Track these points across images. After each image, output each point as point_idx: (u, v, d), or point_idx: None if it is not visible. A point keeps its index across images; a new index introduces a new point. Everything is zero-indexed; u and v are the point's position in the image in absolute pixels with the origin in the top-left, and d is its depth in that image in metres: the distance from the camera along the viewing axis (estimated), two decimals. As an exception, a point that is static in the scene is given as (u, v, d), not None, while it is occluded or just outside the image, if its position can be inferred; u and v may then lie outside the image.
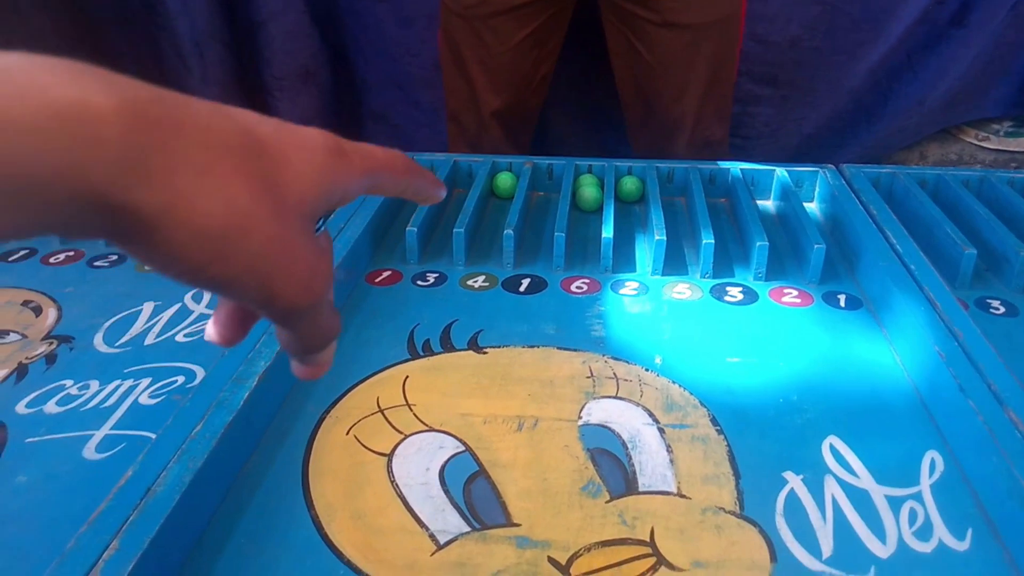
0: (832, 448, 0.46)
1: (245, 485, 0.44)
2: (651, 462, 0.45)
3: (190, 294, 0.64)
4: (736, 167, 0.78)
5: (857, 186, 0.73)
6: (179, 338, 0.58)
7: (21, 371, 0.55)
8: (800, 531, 0.41)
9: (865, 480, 0.44)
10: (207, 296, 0.64)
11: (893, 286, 0.57)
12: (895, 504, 0.42)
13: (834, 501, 0.42)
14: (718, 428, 0.48)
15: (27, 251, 0.71)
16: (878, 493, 0.43)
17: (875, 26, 1.24)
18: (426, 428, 0.48)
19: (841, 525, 0.41)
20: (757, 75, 1.29)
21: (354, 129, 1.44)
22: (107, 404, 0.51)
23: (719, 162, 0.80)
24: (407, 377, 0.52)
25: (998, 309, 0.60)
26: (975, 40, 1.23)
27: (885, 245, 0.62)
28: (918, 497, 0.43)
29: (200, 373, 0.54)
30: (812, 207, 0.77)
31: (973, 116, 1.34)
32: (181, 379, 0.53)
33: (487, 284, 0.65)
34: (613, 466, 0.45)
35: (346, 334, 0.58)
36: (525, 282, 0.65)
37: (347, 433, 0.48)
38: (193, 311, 0.62)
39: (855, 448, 0.46)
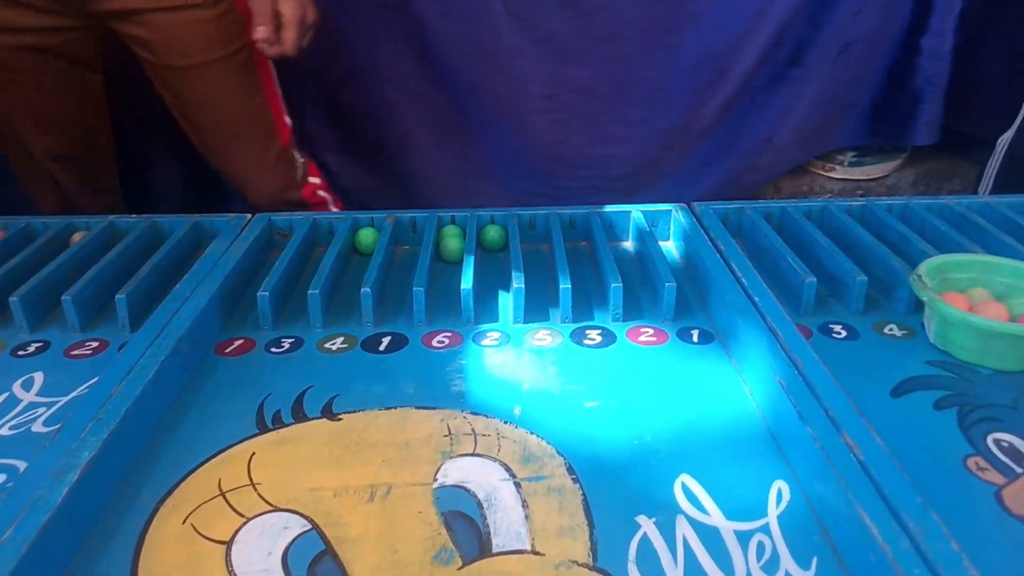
0: (684, 487, 0.46)
1: (66, 592, 0.41)
2: (506, 520, 0.44)
3: (19, 382, 0.59)
4: (595, 212, 0.80)
5: (707, 223, 0.76)
6: (3, 431, 0.53)
7: None
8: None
9: (715, 517, 0.44)
10: (38, 382, 0.59)
11: (739, 318, 0.59)
12: (743, 538, 0.43)
13: (685, 541, 0.42)
14: (574, 477, 0.47)
15: None
16: (727, 529, 0.43)
17: (719, 66, 1.30)
18: (271, 508, 0.45)
19: (692, 565, 0.41)
20: (612, 116, 1.34)
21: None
22: (-89, 514, 0.46)
23: (580, 207, 0.81)
24: (253, 454, 0.50)
25: (840, 333, 0.62)
26: (813, 79, 1.32)
27: (731, 279, 0.65)
28: (765, 529, 0.43)
29: (24, 467, 0.49)
30: (669, 245, 0.80)
31: (822, 150, 1.43)
32: (2, 477, 0.49)
33: (345, 346, 0.63)
34: (467, 529, 0.43)
35: (190, 411, 0.55)
36: (385, 340, 0.63)
37: (183, 522, 0.44)
38: (21, 400, 0.57)
39: (706, 485, 0.46)
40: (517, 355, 0.61)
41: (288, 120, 1.16)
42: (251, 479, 0.47)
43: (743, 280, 0.64)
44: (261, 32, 1.01)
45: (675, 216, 0.79)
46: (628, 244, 0.80)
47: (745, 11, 1.27)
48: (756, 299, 0.61)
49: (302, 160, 1.18)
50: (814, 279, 0.64)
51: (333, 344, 0.63)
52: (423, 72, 1.30)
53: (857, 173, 1.44)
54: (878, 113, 1.38)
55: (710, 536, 0.43)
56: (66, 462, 0.45)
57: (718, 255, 0.69)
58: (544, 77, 1.30)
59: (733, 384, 0.57)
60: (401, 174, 1.40)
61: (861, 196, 1.40)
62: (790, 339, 0.56)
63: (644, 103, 1.34)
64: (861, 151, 1.43)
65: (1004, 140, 1.18)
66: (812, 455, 0.45)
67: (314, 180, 1.19)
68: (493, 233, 0.80)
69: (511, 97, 1.31)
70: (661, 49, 1.29)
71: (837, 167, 1.44)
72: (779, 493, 0.46)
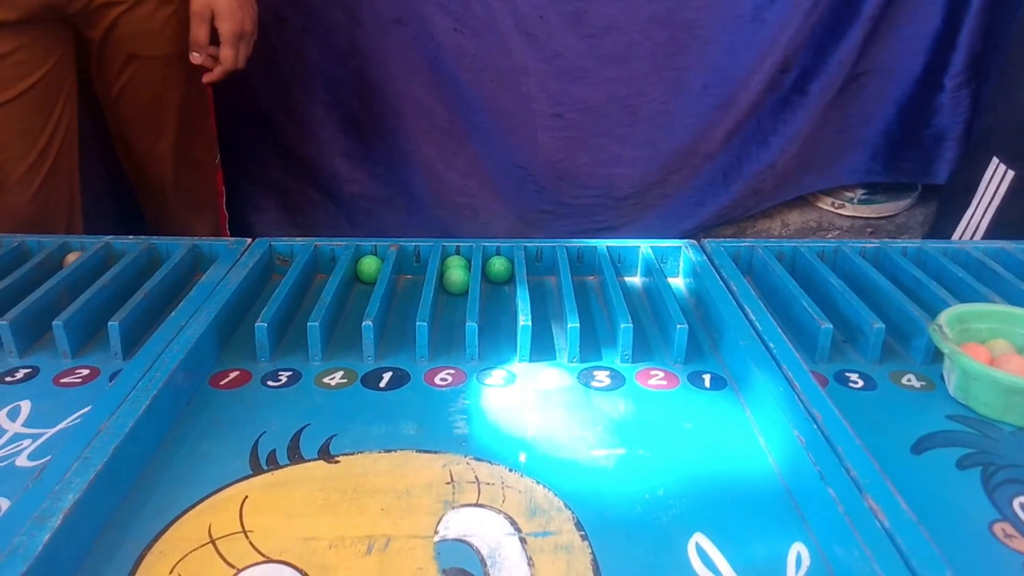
0: (698, 547, 0.44)
1: (43, 647, 0.38)
2: (511, 580, 0.42)
3: (5, 411, 0.57)
4: (603, 244, 0.78)
5: (718, 261, 0.74)
6: (-16, 465, 0.51)
7: None
8: (666, 649, 0.38)
9: (731, 582, 0.42)
10: (24, 412, 0.57)
11: (753, 365, 0.57)
12: (762, 608, 0.40)
13: (701, 610, 0.40)
14: (582, 534, 0.45)
15: None
16: (745, 596, 0.41)
17: (725, 91, 1.30)
18: (263, 559, 0.43)
19: (708, 638, 0.39)
20: (618, 136, 1.33)
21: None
22: None
23: (588, 240, 0.79)
24: (246, 498, 0.47)
25: (856, 383, 0.60)
26: (819, 108, 1.31)
27: (745, 322, 0.63)
28: (785, 597, 0.41)
29: (5, 507, 0.47)
30: (678, 282, 0.78)
31: (829, 184, 1.42)
32: (-19, 516, 0.46)
33: (345, 381, 0.61)
34: (470, 588, 0.41)
35: (181, 449, 0.52)
36: (386, 376, 0.61)
37: (171, 572, 0.42)
38: (7, 431, 0.55)
39: (721, 546, 0.44)
40: (523, 396, 0.59)
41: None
42: (243, 526, 0.45)
43: (757, 324, 0.62)
44: (195, 59, 1.02)
45: (685, 252, 0.77)
46: (637, 279, 0.78)
47: (753, 37, 1.27)
48: (771, 345, 0.59)
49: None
50: (830, 326, 0.62)
51: (332, 379, 0.61)
52: (433, 86, 1.29)
53: (867, 211, 1.43)
54: (894, 151, 1.37)
55: (726, 604, 0.41)
56: (49, 505, 0.42)
57: (730, 296, 0.67)
58: (552, 95, 1.29)
59: (747, 435, 0.55)
60: (406, 186, 1.39)
61: (870, 233, 1.39)
62: (808, 390, 0.54)
63: (650, 125, 1.33)
64: (871, 188, 1.42)
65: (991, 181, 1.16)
66: (833, 518, 0.43)
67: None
68: (499, 265, 0.78)
69: (519, 114, 1.31)
70: (668, 72, 1.29)
71: (847, 204, 1.43)
72: (798, 557, 0.44)
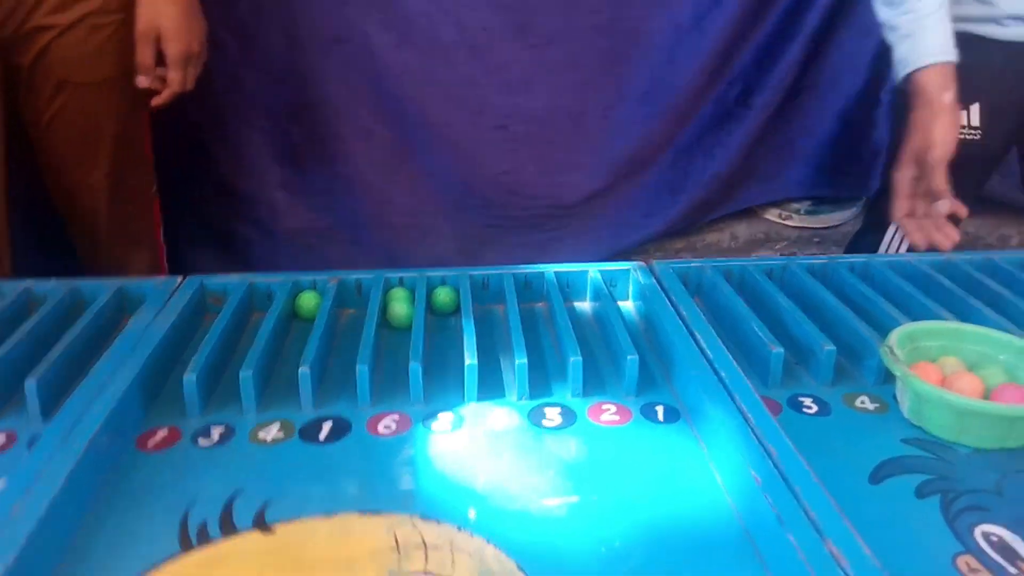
0: (658, 606, 0.42)
1: None
2: (462, 657, 0.39)
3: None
4: (550, 270, 0.76)
5: (666, 284, 0.73)
6: None
7: None
8: None
9: (694, 644, 0.40)
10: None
11: (706, 397, 0.56)
12: (726, 670, 0.39)
13: None
14: (537, 598, 0.43)
15: None
16: (708, 659, 0.39)
17: (667, 99, 1.30)
18: (192, 652, 0.40)
19: None
20: (563, 144, 1.32)
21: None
22: None
23: (533, 266, 0.77)
24: (174, 580, 0.44)
25: (811, 408, 0.59)
26: (762, 120, 1.32)
27: (696, 350, 0.61)
28: (749, 656, 0.39)
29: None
30: (628, 305, 0.76)
31: (775, 196, 1.43)
32: None
33: (282, 435, 0.57)
34: (418, 669, 0.39)
35: (105, 524, 0.49)
36: (326, 427, 0.58)
37: (89, 675, 0.38)
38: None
39: (682, 602, 0.42)
40: (471, 440, 0.57)
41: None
42: (171, 613, 0.42)
43: (708, 352, 0.61)
44: (141, 82, 0.99)
45: (634, 275, 0.76)
46: (586, 304, 0.77)
47: (694, 49, 1.27)
48: (723, 374, 0.58)
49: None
50: (782, 350, 0.61)
51: (268, 433, 0.58)
52: (375, 106, 1.26)
53: (813, 221, 1.44)
54: (837, 164, 1.39)
55: (689, 669, 0.39)
56: (-52, 610, 0.38)
57: (680, 321, 0.66)
58: (496, 107, 1.28)
59: (703, 471, 0.53)
60: (349, 214, 1.35)
61: (817, 243, 1.40)
62: (761, 423, 0.52)
63: (594, 131, 1.32)
64: (816, 200, 1.44)
65: None
66: (795, 565, 0.42)
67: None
68: (444, 296, 0.75)
69: (463, 128, 1.29)
70: (612, 77, 1.28)
71: (793, 215, 1.44)
72: (760, 609, 0.42)
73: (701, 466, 0.53)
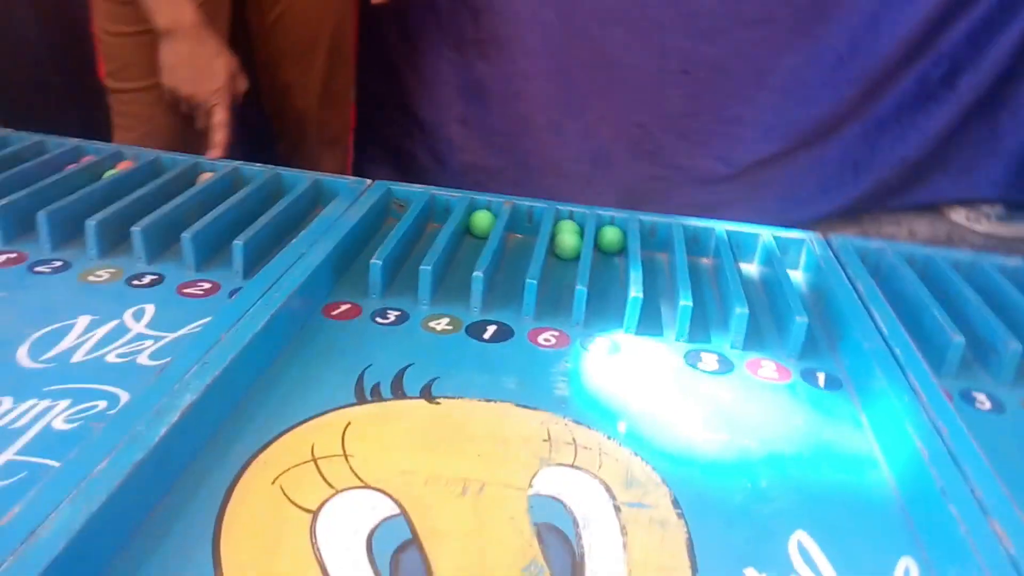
0: (800, 545, 0.42)
1: (151, 532, 0.40)
2: (602, 545, 0.41)
3: (131, 311, 0.60)
4: (721, 227, 0.76)
5: (844, 259, 0.70)
6: (110, 358, 0.54)
7: (-71, 380, 0.50)
8: (758, 640, 0.37)
9: (833, 585, 0.40)
10: (148, 314, 0.59)
11: (876, 369, 0.54)
12: (864, 616, 0.38)
13: (798, 607, 0.38)
14: (679, 512, 0.44)
15: (-35, 248, 0.67)
16: (847, 602, 0.39)
17: (863, 68, 1.22)
18: (361, 484, 0.43)
19: (804, 637, 0.37)
20: (745, 97, 1.28)
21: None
22: (16, 425, 0.46)
23: (704, 219, 0.77)
24: (349, 424, 0.48)
25: (984, 404, 0.56)
26: (966, 107, 1.23)
27: (870, 324, 0.59)
28: (890, 610, 0.39)
29: (125, 400, 0.49)
30: (797, 275, 0.74)
31: (965, 194, 1.33)
32: (103, 404, 0.49)
33: (450, 327, 0.61)
34: (560, 546, 0.41)
35: (291, 369, 0.54)
36: (491, 329, 0.61)
37: (273, 483, 0.43)
38: (131, 330, 0.57)
39: (824, 547, 0.42)
40: (626, 368, 0.58)
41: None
42: (344, 450, 0.46)
43: (883, 328, 0.59)
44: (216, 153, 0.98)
45: (809, 246, 0.74)
46: (753, 267, 0.75)
47: (900, 17, 1.18)
48: (897, 351, 0.56)
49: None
50: (962, 339, 0.58)
51: (438, 324, 0.61)
52: (563, 43, 1.27)
53: (1004, 230, 1.33)
54: None
55: (826, 606, 0.39)
56: (168, 402, 0.44)
57: (855, 295, 0.64)
58: (683, 52, 1.25)
59: (861, 440, 0.52)
60: (521, 155, 1.38)
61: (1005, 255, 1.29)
62: (934, 402, 0.50)
63: (779, 91, 1.27)
64: (1012, 205, 1.32)
65: None
66: (952, 538, 0.40)
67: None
68: (611, 235, 0.76)
69: (648, 69, 1.27)
70: (805, 38, 1.22)
71: (983, 219, 1.33)
72: (906, 571, 0.41)
73: (859, 435, 0.52)
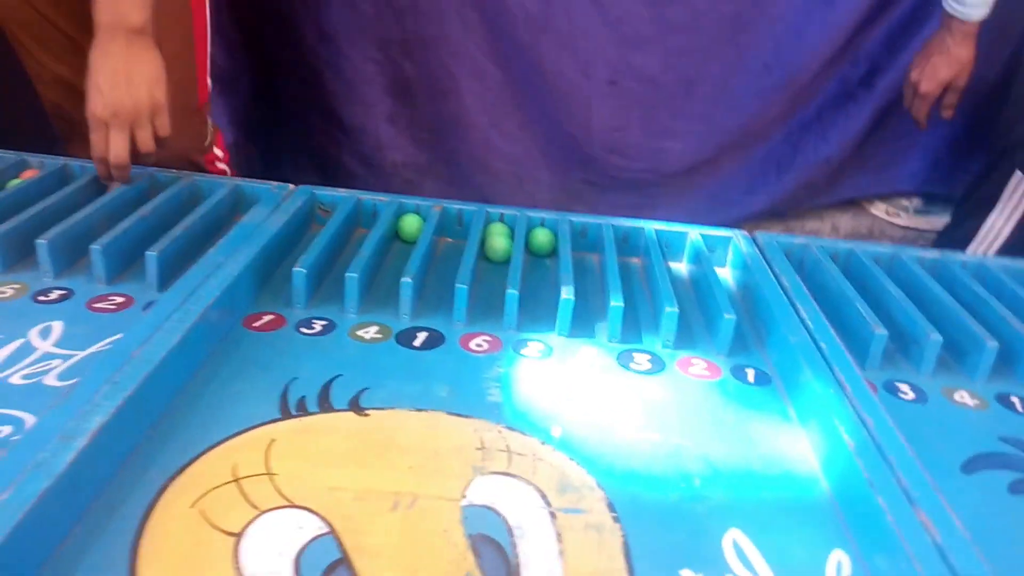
0: (735, 544, 0.42)
1: (61, 566, 0.37)
2: (538, 553, 0.40)
3: (37, 329, 0.56)
4: (651, 227, 0.76)
5: (769, 255, 0.72)
6: (14, 379, 0.50)
7: None
8: (696, 643, 0.36)
9: (768, 582, 0.40)
10: (56, 332, 0.56)
11: (803, 363, 0.55)
12: (799, 611, 0.39)
13: (734, 607, 0.38)
14: (615, 515, 0.43)
15: None
16: (781, 598, 0.39)
17: (787, 74, 1.25)
18: (287, 503, 0.42)
19: (741, 636, 0.37)
20: (673, 109, 1.29)
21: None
22: (-94, 457, 0.43)
23: (633, 220, 0.77)
24: (273, 441, 0.46)
25: (907, 394, 0.58)
26: (882, 105, 1.27)
27: (796, 319, 0.60)
28: (823, 603, 0.39)
29: (31, 423, 0.46)
30: (725, 273, 0.75)
31: (884, 189, 1.38)
32: (8, 429, 0.46)
33: (380, 336, 0.59)
34: (496, 556, 0.40)
35: (211, 385, 0.51)
36: (421, 336, 0.60)
37: (192, 506, 0.41)
38: (37, 349, 0.54)
39: (759, 544, 0.42)
40: (559, 371, 0.57)
41: (209, 83, 1.08)
42: (268, 468, 0.44)
43: (809, 323, 0.60)
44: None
45: (736, 243, 0.75)
46: (682, 266, 0.76)
47: (823, 23, 1.22)
48: (822, 345, 0.57)
49: (212, 127, 1.12)
50: (885, 332, 0.60)
51: (367, 332, 0.60)
52: (490, 47, 1.26)
53: (922, 222, 1.38)
54: (956, 161, 1.32)
55: (762, 603, 0.39)
56: (76, 425, 0.41)
57: (782, 291, 0.65)
58: (611, 62, 1.26)
59: (791, 434, 0.52)
60: (451, 153, 1.36)
61: (923, 246, 1.34)
62: (859, 394, 0.51)
63: (707, 100, 1.29)
64: (929, 198, 1.37)
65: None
66: (881, 529, 0.41)
67: (218, 152, 1.14)
68: (542, 236, 0.76)
69: (574, 79, 1.27)
70: (731, 47, 1.25)
71: (902, 213, 1.38)
72: (839, 566, 0.42)
73: (789, 429, 0.53)
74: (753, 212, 1.37)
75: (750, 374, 0.59)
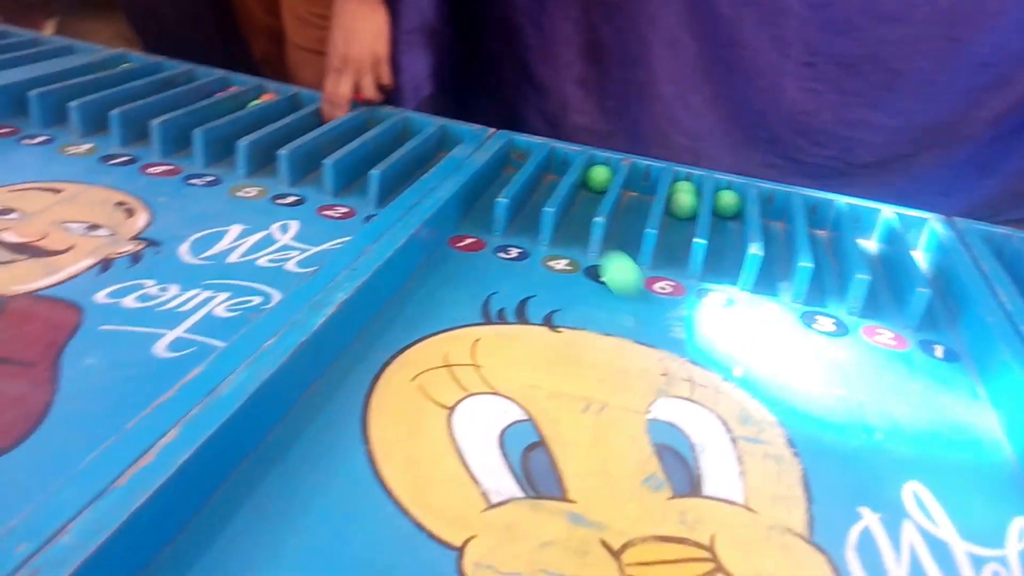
0: (915, 494, 0.43)
1: (307, 407, 0.44)
2: (719, 469, 0.43)
3: (277, 225, 0.64)
4: (842, 200, 0.75)
5: (969, 240, 0.69)
6: (261, 262, 0.58)
7: (106, 264, 0.55)
8: (872, 569, 0.38)
9: (946, 531, 0.41)
10: (292, 229, 0.64)
11: (1000, 344, 0.54)
12: (977, 563, 0.39)
13: (912, 548, 0.39)
14: (794, 450, 0.45)
15: (128, 158, 0.73)
16: (960, 548, 0.40)
17: (1003, 73, 1.17)
18: (491, 391, 0.46)
19: (916, 571, 0.38)
20: (871, 99, 1.24)
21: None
22: (183, 308, 0.51)
23: (825, 192, 0.77)
24: (478, 340, 0.51)
25: (1110, 390, 0.55)
26: None
27: (994, 302, 0.59)
28: (1003, 561, 0.39)
29: (277, 298, 0.54)
30: (917, 256, 0.74)
31: None
32: (258, 299, 0.53)
33: (569, 268, 0.63)
34: (678, 465, 0.43)
35: (421, 290, 0.57)
36: (608, 273, 0.63)
37: (412, 380, 0.47)
38: (278, 240, 0.62)
39: (939, 498, 0.43)
40: (741, 321, 0.59)
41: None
42: (475, 360, 0.49)
43: (1008, 306, 0.58)
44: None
45: (932, 226, 0.73)
46: (872, 244, 0.75)
47: None
48: (1022, 328, 0.55)
49: None
50: (1093, 325, 0.57)
51: (557, 263, 0.64)
52: (689, 15, 1.26)
53: None
54: None
55: (940, 549, 0.40)
56: (323, 297, 0.48)
57: (980, 274, 0.63)
58: (810, 43, 1.22)
59: (978, 410, 0.52)
60: (632, 123, 1.37)
61: None
62: (1061, 378, 0.50)
63: (908, 94, 1.22)
64: None
65: None
66: (1075, 501, 0.41)
67: None
68: (728, 198, 0.77)
69: (771, 57, 1.25)
70: (943, 40, 1.18)
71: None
72: (1021, 532, 0.42)
73: (976, 406, 0.52)
74: (946, 214, 1.29)
75: (938, 350, 0.58)
